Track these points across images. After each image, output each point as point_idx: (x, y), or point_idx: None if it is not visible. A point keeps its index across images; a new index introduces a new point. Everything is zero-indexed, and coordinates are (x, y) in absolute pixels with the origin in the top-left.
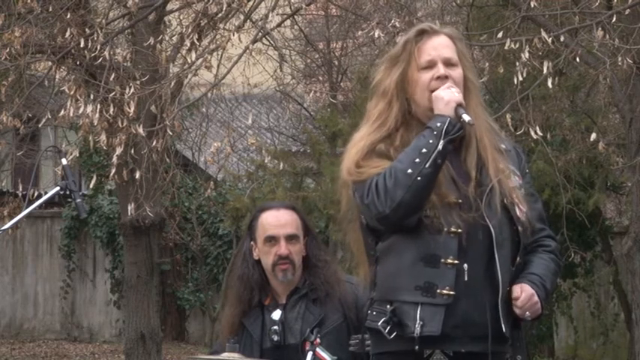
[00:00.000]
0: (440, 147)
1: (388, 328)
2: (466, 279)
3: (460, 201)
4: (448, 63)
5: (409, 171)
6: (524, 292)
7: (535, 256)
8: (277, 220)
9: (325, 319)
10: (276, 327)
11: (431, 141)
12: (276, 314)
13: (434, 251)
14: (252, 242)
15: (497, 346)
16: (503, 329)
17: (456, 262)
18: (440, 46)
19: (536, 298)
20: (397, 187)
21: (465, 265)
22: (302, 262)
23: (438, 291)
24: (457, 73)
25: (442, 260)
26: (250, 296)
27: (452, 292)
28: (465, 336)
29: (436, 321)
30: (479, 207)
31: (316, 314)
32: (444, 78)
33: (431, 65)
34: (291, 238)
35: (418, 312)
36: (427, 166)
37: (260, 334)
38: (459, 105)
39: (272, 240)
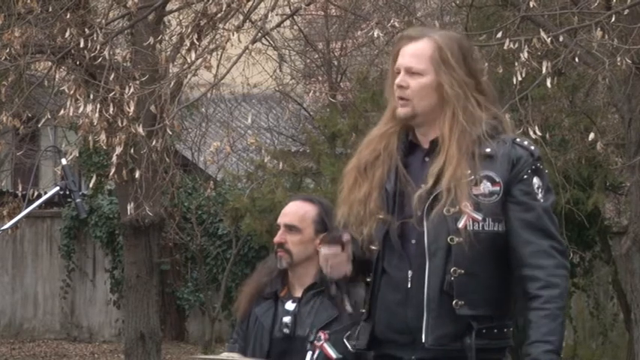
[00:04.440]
0: None
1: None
2: (409, 286)
3: (381, 217)
4: (409, 72)
5: None
6: None
7: (532, 314)
8: (285, 209)
9: (337, 318)
10: (288, 318)
11: None
12: (290, 305)
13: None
14: None
15: (428, 354)
16: (423, 339)
17: (368, 280)
18: (408, 54)
19: None
20: None
21: (410, 272)
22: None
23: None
24: (418, 82)
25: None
26: (267, 276)
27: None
28: (405, 342)
29: (365, 335)
30: (417, 212)
31: (330, 312)
32: (398, 87)
33: (398, 71)
34: (289, 228)
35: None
36: None
37: (271, 323)
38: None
39: (278, 227)
